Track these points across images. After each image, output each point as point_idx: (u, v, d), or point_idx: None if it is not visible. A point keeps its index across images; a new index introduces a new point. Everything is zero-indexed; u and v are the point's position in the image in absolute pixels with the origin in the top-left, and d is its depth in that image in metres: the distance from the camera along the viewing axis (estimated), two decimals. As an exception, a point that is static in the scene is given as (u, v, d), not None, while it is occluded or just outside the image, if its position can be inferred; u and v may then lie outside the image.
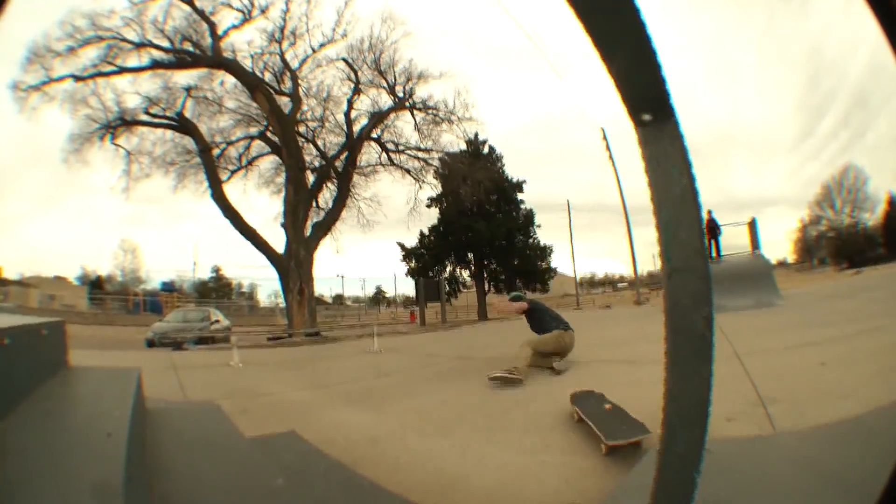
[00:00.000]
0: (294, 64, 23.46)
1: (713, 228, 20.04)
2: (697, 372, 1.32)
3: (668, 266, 1.28)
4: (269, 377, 8.91)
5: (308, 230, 22.51)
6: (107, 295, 42.74)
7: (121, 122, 21.61)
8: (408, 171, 25.74)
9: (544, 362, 7.42)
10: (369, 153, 25.32)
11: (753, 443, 3.45)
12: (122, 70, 20.80)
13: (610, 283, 66.82)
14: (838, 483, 2.44)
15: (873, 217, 50.21)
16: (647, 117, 1.25)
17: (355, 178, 24.81)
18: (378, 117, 24.54)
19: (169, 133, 22.63)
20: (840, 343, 6.44)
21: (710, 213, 20.31)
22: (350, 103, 24.34)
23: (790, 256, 60.41)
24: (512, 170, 36.83)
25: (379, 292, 58.34)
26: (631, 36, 1.14)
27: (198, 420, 4.55)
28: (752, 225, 19.14)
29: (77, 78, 20.08)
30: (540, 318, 8.13)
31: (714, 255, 19.76)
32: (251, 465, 3.28)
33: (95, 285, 45.54)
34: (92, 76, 20.34)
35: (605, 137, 32.29)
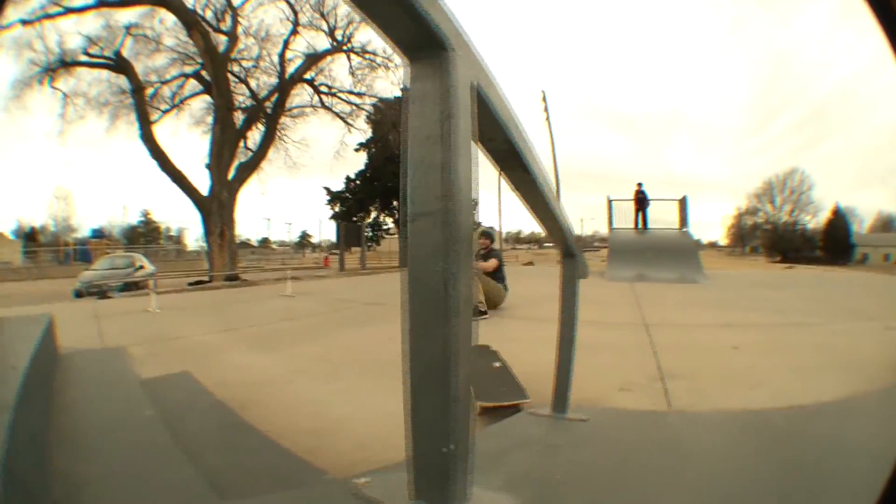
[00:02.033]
0: (237, 2, 22.78)
1: (641, 200, 20.19)
2: (435, 330, 1.17)
3: (411, 209, 1.21)
4: (183, 322, 8.76)
5: (233, 172, 21.96)
6: (40, 247, 43.25)
7: (60, 64, 21.15)
8: (338, 115, 25.23)
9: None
10: (301, 95, 24.77)
11: (642, 416, 3.21)
12: (68, 11, 20.24)
13: (536, 241, 67.70)
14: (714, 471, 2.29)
15: (814, 221, 52.33)
16: (415, 52, 1.12)
17: (285, 120, 24.29)
18: (313, 59, 23.90)
19: (105, 73, 22.07)
20: (759, 331, 6.25)
21: (639, 185, 20.42)
22: (286, 44, 23.59)
23: (723, 240, 62.45)
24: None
25: (304, 236, 57.71)
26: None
27: (104, 364, 4.79)
28: (683, 202, 19.31)
29: (25, 22, 19.54)
30: (496, 273, 8.38)
31: (641, 225, 19.97)
32: (136, 403, 3.37)
33: (30, 238, 44.84)
34: (39, 19, 19.82)
35: (544, 99, 32.18)
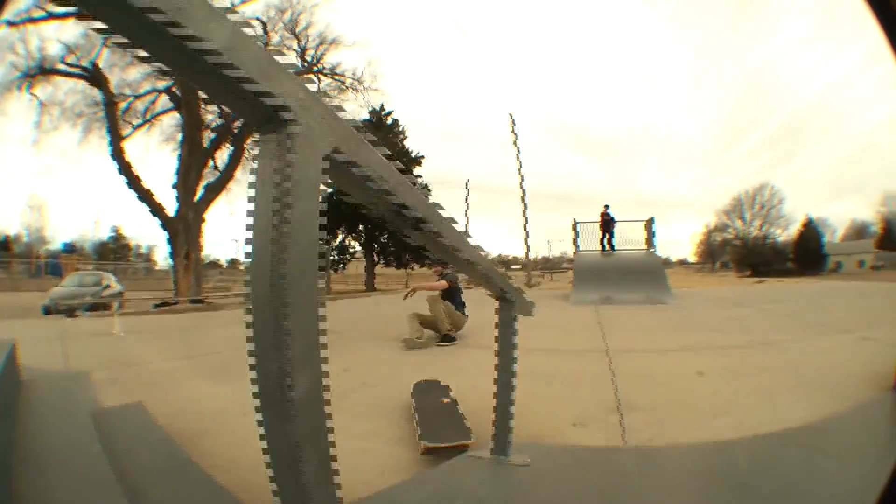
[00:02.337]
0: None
1: (608, 222, 20.31)
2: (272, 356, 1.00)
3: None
4: (144, 347, 8.77)
5: (200, 192, 21.83)
6: (13, 257, 43.00)
7: (39, 71, 21.28)
8: (303, 137, 24.89)
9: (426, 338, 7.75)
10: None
11: (592, 455, 3.05)
12: (51, 16, 20.22)
13: (505, 263, 67.91)
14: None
15: (785, 234, 53.01)
16: (258, 126, 0.98)
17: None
18: (280, 80, 23.54)
19: (81, 84, 22.10)
20: (725, 353, 6.13)
21: (605, 207, 20.52)
22: (254, 64, 23.28)
23: (692, 258, 63.07)
24: (415, 144, 36.98)
25: (274, 258, 57.76)
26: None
27: (64, 390, 4.63)
28: (650, 223, 19.34)
29: (11, 24, 19.49)
30: (453, 297, 8.32)
31: (607, 247, 20.06)
32: (87, 436, 3.17)
33: (4, 247, 44.15)
34: (23, 21, 19.93)
35: (512, 122, 32.40)
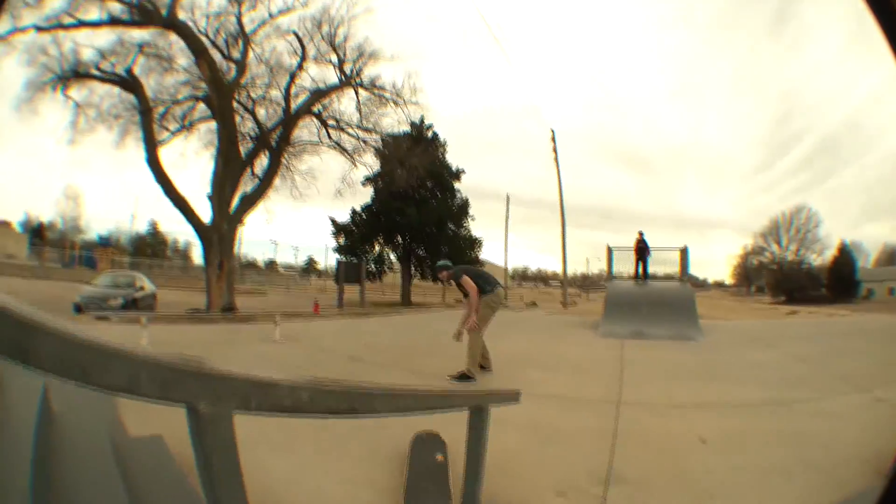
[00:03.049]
0: (249, 28, 22.74)
1: (642, 249, 20.05)
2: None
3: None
4: None
5: (236, 202, 21.93)
6: (46, 245, 42.55)
7: (73, 74, 21.00)
8: (343, 151, 25.15)
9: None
10: (309, 127, 24.67)
11: None
12: (82, 24, 20.14)
13: (542, 278, 67.37)
14: None
15: (820, 259, 51.86)
16: None
17: (291, 152, 24.26)
18: (320, 94, 23.87)
19: (116, 89, 21.87)
20: (736, 414, 6.01)
21: (640, 234, 20.31)
22: (292, 78, 23.53)
23: (729, 280, 61.98)
24: (455, 157, 36.85)
25: (311, 262, 57.75)
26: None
27: (93, 414, 4.50)
28: (684, 252, 19.16)
29: (40, 28, 19.49)
30: (479, 279, 8.33)
31: (641, 274, 19.85)
32: (107, 472, 2.86)
33: (37, 233, 44.60)
34: (53, 27, 19.76)
35: (553, 139, 32.26)
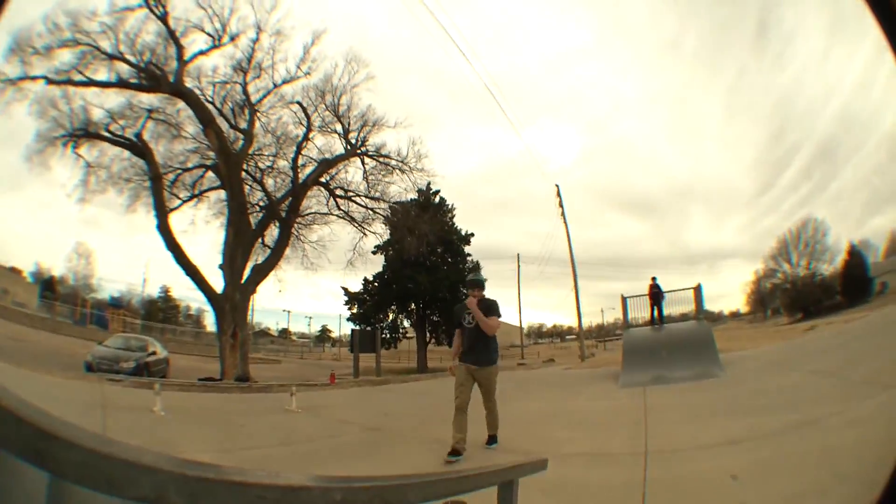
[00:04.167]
0: (255, 98, 23.27)
1: (656, 294, 20.07)
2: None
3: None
4: (184, 432, 8.76)
5: (248, 272, 21.98)
6: (57, 299, 41.80)
7: (84, 133, 21.28)
8: (352, 221, 25.32)
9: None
10: (317, 197, 24.96)
11: None
12: (91, 82, 20.52)
13: (558, 334, 66.80)
14: None
15: (831, 267, 51.44)
16: None
17: (300, 223, 24.46)
18: (327, 164, 24.14)
19: (127, 153, 22.15)
20: (765, 443, 5.92)
21: (653, 279, 20.39)
22: (299, 149, 23.96)
23: (743, 308, 61.46)
24: (463, 220, 36.80)
25: (324, 331, 57.59)
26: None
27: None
28: (698, 290, 19.19)
29: (49, 80, 19.82)
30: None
31: (657, 319, 19.78)
32: None
33: (48, 286, 44.55)
34: (63, 82, 20.14)
35: (559, 194, 32.41)
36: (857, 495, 3.67)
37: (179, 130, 22.78)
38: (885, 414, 5.73)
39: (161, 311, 51.87)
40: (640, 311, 20.23)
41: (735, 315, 61.90)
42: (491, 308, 7.14)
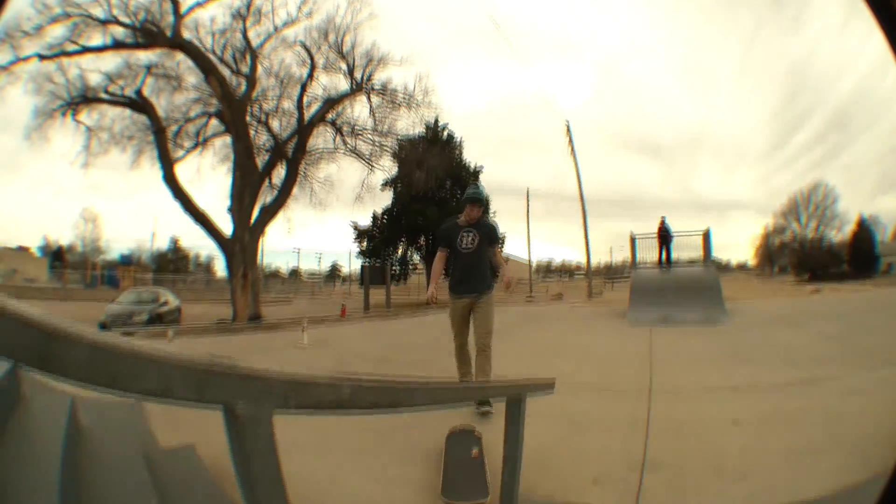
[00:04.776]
0: (256, 43, 22.98)
1: (665, 236, 20.01)
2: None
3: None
4: None
5: (256, 214, 22.07)
6: (67, 267, 42.59)
7: (82, 100, 21.21)
8: (360, 156, 25.11)
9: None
10: (324, 135, 24.76)
11: None
12: (85, 49, 20.34)
13: (567, 270, 66.96)
14: None
15: (840, 234, 51.32)
16: None
17: (308, 161, 24.34)
18: (332, 102, 23.93)
19: (128, 111, 22.07)
20: (767, 395, 5.94)
21: (662, 219, 20.28)
22: (303, 88, 23.66)
23: (751, 261, 61.44)
24: (472, 154, 36.45)
25: (335, 268, 57.87)
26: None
27: (122, 426, 4.55)
28: (706, 235, 19.09)
29: (42, 57, 19.70)
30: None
31: (665, 260, 19.79)
32: (139, 483, 3.19)
33: (57, 256, 44.84)
34: (56, 55, 20.00)
35: (568, 131, 32.06)
36: (852, 465, 3.69)
37: (180, 82, 22.65)
38: (884, 391, 5.71)
39: (171, 262, 52.32)
40: (649, 253, 20.22)
41: (742, 267, 62.00)
42: (494, 236, 6.23)
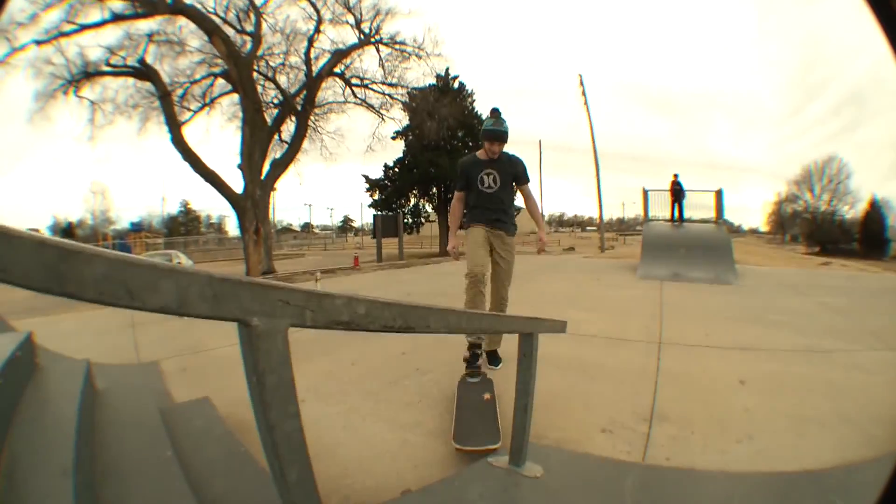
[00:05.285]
0: (259, 1, 22.75)
1: (678, 192, 20.03)
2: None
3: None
4: (211, 331, 8.17)
5: (267, 169, 22.08)
6: (77, 241, 42.66)
7: (84, 76, 21.09)
8: (370, 107, 25.04)
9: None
10: (333, 88, 24.69)
11: (604, 469, 3.14)
12: (84, 27, 20.15)
13: (579, 223, 67.09)
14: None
15: (852, 211, 51.04)
16: None
17: (317, 114, 24.33)
18: (340, 55, 23.79)
19: (131, 80, 22.00)
20: (773, 358, 5.92)
21: (675, 176, 20.26)
22: (310, 42, 23.50)
23: (763, 227, 61.26)
24: (484, 105, 36.12)
25: (346, 221, 58.02)
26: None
27: (135, 385, 4.86)
28: (719, 195, 19.04)
29: (39, 42, 19.55)
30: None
31: (677, 217, 19.77)
32: (158, 440, 3.30)
33: (67, 233, 45.16)
34: (54, 38, 19.81)
35: (581, 83, 31.70)
36: (853, 439, 3.69)
37: (183, 47, 22.37)
38: (889, 374, 5.67)
39: (182, 224, 52.65)
40: (661, 209, 20.20)
41: (754, 231, 61.82)
42: (521, 173, 5.39)
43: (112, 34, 21.08)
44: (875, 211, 49.94)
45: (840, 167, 51.93)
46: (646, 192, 20.09)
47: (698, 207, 19.96)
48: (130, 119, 22.20)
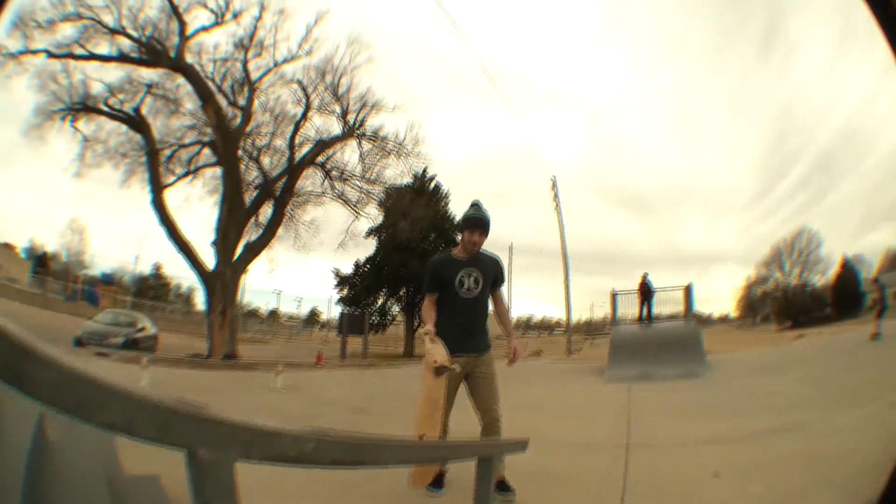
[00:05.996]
0: (255, 76, 23.31)
1: (647, 291, 20.23)
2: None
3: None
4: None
5: (240, 250, 21.97)
6: (49, 275, 41.80)
7: (82, 107, 21.42)
8: (346, 203, 25.23)
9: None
10: (313, 177, 24.86)
11: None
12: (92, 56, 20.74)
13: (547, 326, 66.85)
14: None
15: (824, 278, 51.78)
16: None
17: (295, 202, 24.43)
18: (323, 145, 24.12)
19: (124, 127, 22.26)
20: (749, 444, 5.88)
21: (644, 275, 20.52)
22: (296, 128, 23.92)
23: (733, 312, 61.78)
24: (458, 207, 36.50)
25: (314, 313, 57.50)
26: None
27: (89, 449, 4.45)
28: (688, 290, 19.30)
29: (51, 54, 20.01)
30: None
31: (646, 316, 19.93)
32: None
33: (40, 262, 44.33)
34: (64, 56, 20.29)
35: (554, 186, 32.33)
36: (837, 501, 3.67)
37: (178, 106, 22.84)
38: (871, 425, 5.71)
39: (152, 288, 51.80)
40: (630, 308, 20.42)
41: (724, 319, 62.11)
42: (501, 275, 4.91)
43: (115, 74, 21.55)
44: (847, 270, 50.36)
45: (810, 237, 52.72)
46: (614, 295, 20.53)
47: (668, 303, 20.24)
48: (117, 168, 22.37)
